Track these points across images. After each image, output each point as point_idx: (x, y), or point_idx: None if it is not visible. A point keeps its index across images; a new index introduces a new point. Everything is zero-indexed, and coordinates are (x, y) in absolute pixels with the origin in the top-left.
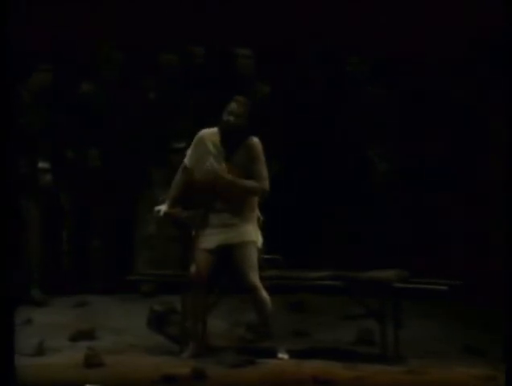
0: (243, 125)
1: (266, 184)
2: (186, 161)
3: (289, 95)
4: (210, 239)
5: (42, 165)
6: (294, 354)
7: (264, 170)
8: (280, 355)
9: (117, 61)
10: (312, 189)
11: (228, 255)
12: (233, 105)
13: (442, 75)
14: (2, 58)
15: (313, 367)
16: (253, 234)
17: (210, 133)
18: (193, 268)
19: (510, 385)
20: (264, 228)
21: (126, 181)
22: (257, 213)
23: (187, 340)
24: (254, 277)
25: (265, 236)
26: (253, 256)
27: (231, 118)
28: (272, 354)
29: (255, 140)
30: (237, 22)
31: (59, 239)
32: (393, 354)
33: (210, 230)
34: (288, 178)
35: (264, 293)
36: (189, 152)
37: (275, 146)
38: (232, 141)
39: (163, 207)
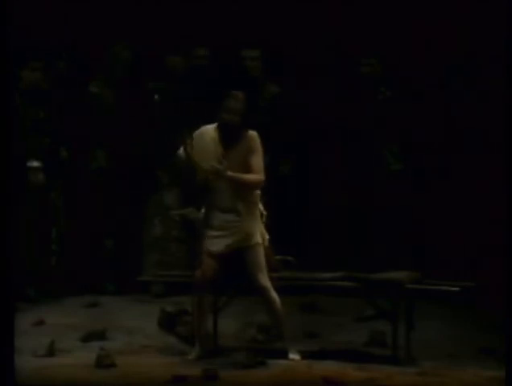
0: (240, 122)
1: (263, 175)
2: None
3: (299, 94)
4: (216, 241)
5: (34, 164)
6: (305, 355)
7: (261, 162)
8: (291, 356)
9: (127, 60)
10: (324, 189)
11: (235, 257)
12: (228, 102)
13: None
14: (1, 57)
15: (325, 368)
16: (258, 234)
17: (210, 129)
18: (199, 271)
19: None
20: (273, 228)
21: (135, 182)
22: (260, 208)
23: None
24: (263, 279)
25: (276, 238)
26: (260, 258)
27: (228, 116)
28: (283, 355)
29: (253, 133)
30: (244, 22)
31: (48, 238)
32: (405, 355)
33: (216, 232)
34: (300, 178)
35: (274, 294)
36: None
37: (286, 146)
38: (230, 137)
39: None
